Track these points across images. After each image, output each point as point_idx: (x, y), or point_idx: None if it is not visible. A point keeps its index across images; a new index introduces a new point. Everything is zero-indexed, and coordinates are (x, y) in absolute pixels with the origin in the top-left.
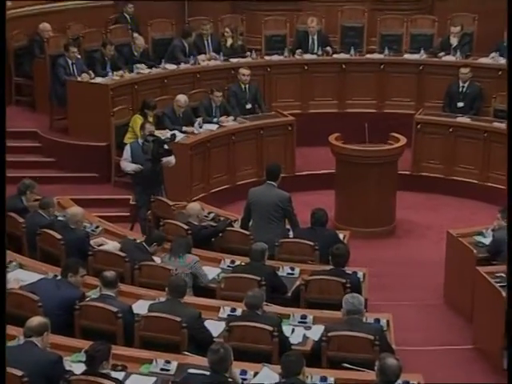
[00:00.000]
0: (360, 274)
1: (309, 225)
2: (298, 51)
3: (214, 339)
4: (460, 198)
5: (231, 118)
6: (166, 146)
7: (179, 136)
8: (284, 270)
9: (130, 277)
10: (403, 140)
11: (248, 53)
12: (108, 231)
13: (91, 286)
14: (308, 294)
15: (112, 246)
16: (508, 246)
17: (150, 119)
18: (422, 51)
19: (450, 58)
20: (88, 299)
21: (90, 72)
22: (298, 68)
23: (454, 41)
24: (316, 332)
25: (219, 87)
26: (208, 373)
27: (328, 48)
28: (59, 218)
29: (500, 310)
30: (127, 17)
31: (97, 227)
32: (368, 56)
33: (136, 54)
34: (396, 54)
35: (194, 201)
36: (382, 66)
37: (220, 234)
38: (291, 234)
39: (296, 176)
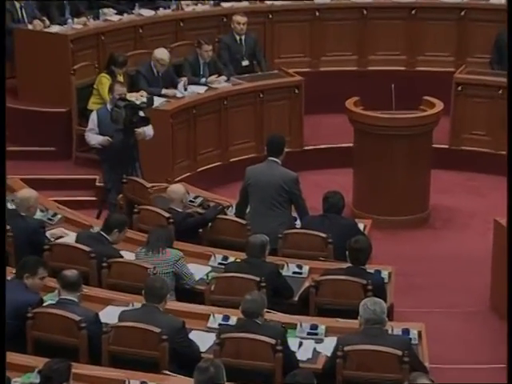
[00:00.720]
0: (384, 274)
1: (320, 212)
2: None
3: (202, 355)
4: None
5: (223, 77)
6: (141, 114)
7: (158, 100)
8: (289, 269)
9: (96, 277)
10: (439, 105)
11: None
12: (69, 220)
13: (48, 288)
14: (319, 298)
15: (74, 238)
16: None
17: (121, 79)
18: None
19: (499, 1)
20: (44, 305)
21: (44, 18)
22: (307, 14)
23: None
24: (329, 346)
25: (208, 39)
26: None
27: None
28: (7, 204)
29: None
30: None
31: (54, 215)
32: None
33: None
34: None
35: (178, 182)
36: (413, 12)
37: (209, 224)
38: (298, 223)
39: (304, 151)
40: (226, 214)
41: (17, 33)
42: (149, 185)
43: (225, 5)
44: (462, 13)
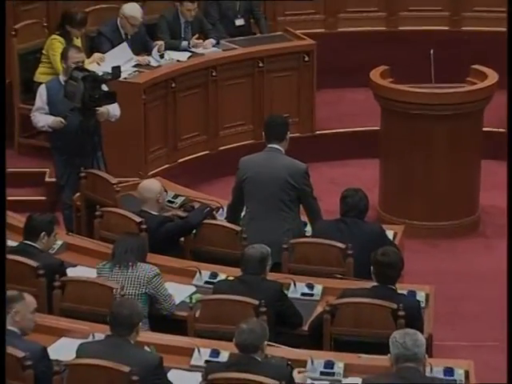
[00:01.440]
0: (421, 296)
1: (337, 215)
2: None
3: None
4: None
5: (211, 41)
6: (104, 87)
7: (126, 71)
8: (297, 289)
9: (45, 300)
10: (493, 76)
11: None
12: (11, 227)
13: None
14: (336, 327)
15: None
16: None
17: (78, 42)
18: None
19: None
20: None
21: None
22: None
23: None
24: None
25: None
26: None
27: None
28: None
29: None
30: None
31: None
32: None
33: None
34: None
35: (152, 177)
36: None
37: (194, 231)
38: (309, 229)
39: (316, 137)
40: (214, 218)
41: None
42: (115, 180)
43: None
44: None
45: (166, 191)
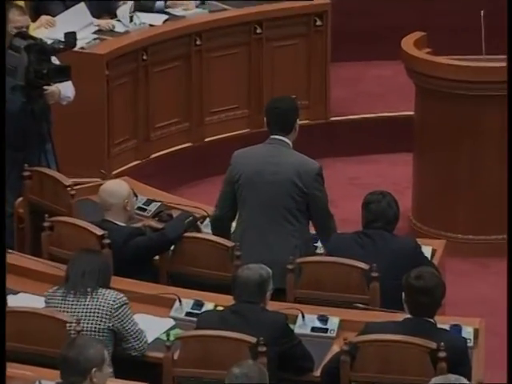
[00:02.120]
0: (467, 332)
1: (359, 227)
2: None
3: None
4: None
5: (194, 1)
6: (54, 60)
7: (84, 38)
8: (306, 323)
9: None
10: None
11: None
12: None
13: None
14: (357, 372)
15: None
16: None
17: (20, 2)
18: None
19: None
20: None
21: None
22: None
23: None
24: None
25: None
26: None
27: None
28: None
29: None
30: None
31: None
32: None
33: None
34: None
35: (118, 176)
36: None
37: (171, 247)
38: (321, 245)
39: (332, 124)
40: (198, 231)
41: None
42: (69, 181)
43: None
44: None
45: (135, 196)
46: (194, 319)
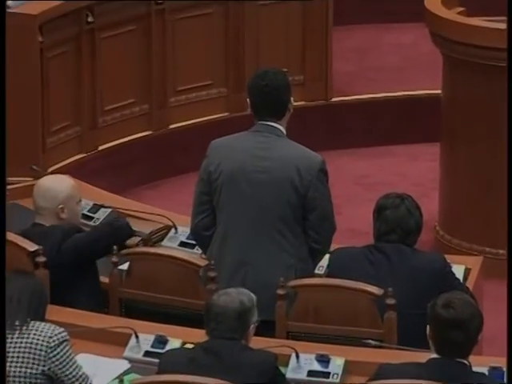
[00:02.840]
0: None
1: (370, 240)
2: None
3: None
4: None
5: None
6: None
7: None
8: (302, 364)
9: None
10: None
11: None
12: None
13: None
14: None
15: None
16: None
17: None
18: None
19: None
20: None
21: None
22: None
23: None
24: None
25: None
26: None
27: None
28: None
29: None
30: None
31: None
32: None
33: None
34: None
35: (55, 173)
36: None
37: (126, 241)
38: (322, 261)
39: (334, 107)
40: (158, 241)
41: None
42: None
43: None
44: None
45: (79, 199)
46: (156, 360)
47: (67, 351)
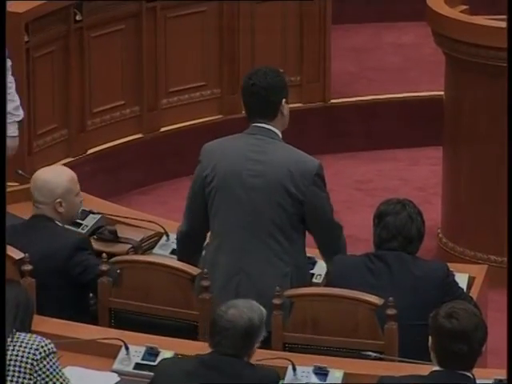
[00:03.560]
0: None
1: (370, 247)
2: None
3: None
4: None
5: None
6: None
7: None
8: (299, 377)
9: None
10: None
11: None
12: None
13: None
14: None
15: None
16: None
17: None
18: None
19: None
20: None
21: None
22: None
23: None
24: None
25: None
26: None
27: None
28: None
29: None
30: None
31: None
32: None
33: None
34: None
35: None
36: None
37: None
38: (320, 271)
39: (332, 109)
40: (149, 249)
41: None
42: None
43: None
44: None
45: (78, 191)
46: (146, 373)
47: (54, 364)
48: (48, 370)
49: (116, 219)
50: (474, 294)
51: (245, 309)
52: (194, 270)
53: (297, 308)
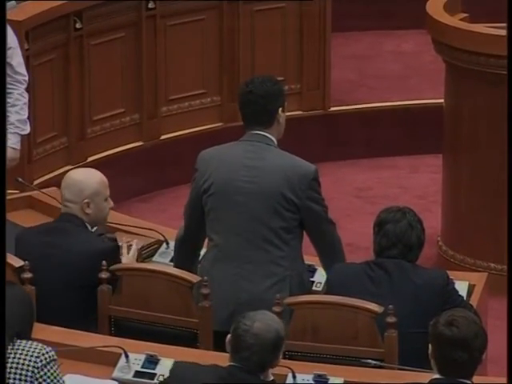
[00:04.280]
0: None
1: (370, 255)
2: None
3: None
4: None
5: None
6: None
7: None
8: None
9: None
10: None
11: None
12: None
13: None
14: None
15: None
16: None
17: None
18: None
19: None
20: None
21: None
22: None
23: None
24: None
25: None
26: None
27: None
28: None
29: None
30: None
31: None
32: None
33: None
34: None
35: (43, 187)
36: None
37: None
38: (319, 278)
39: (332, 117)
40: (149, 256)
41: None
42: None
43: None
44: None
45: (107, 197)
46: (147, 381)
47: (55, 371)
48: (49, 377)
49: (116, 227)
50: (473, 301)
51: (270, 321)
52: (193, 278)
53: (297, 316)
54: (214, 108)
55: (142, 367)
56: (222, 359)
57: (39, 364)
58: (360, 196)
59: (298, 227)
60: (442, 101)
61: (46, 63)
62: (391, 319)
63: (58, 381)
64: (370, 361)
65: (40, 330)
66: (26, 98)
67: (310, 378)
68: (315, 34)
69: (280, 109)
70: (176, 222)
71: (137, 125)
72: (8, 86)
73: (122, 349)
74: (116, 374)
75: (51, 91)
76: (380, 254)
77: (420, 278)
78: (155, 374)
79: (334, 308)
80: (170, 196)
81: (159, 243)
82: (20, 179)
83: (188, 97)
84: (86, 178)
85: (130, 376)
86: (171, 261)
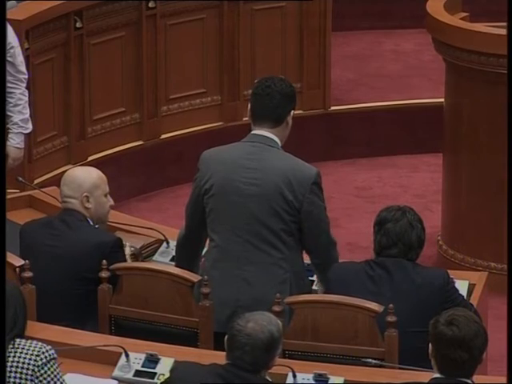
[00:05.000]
0: None
1: (370, 254)
2: None
3: None
4: None
5: None
6: None
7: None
8: (298, 383)
9: None
10: None
11: None
12: None
13: None
14: None
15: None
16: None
17: None
18: None
19: None
20: None
21: None
22: None
23: None
24: None
25: None
26: None
27: None
28: None
29: None
30: None
31: None
32: None
33: None
34: None
35: (43, 187)
36: None
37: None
38: (317, 278)
39: (332, 116)
40: (149, 256)
41: None
42: None
43: None
44: None
45: (107, 193)
46: (147, 380)
47: (55, 370)
48: (49, 375)
49: (116, 226)
50: (474, 301)
51: (264, 322)
52: (194, 277)
53: (297, 315)
54: (214, 107)
55: (143, 366)
56: (222, 359)
57: (39, 362)
58: (360, 195)
59: (298, 229)
60: (442, 100)
61: (46, 62)
62: (391, 318)
63: (58, 379)
64: (370, 360)
65: (40, 329)
66: (26, 96)
67: (310, 377)
68: (315, 33)
69: (291, 112)
70: (176, 221)
71: (137, 124)
72: (10, 85)
73: (123, 348)
74: (116, 373)
75: (51, 90)
76: (380, 253)
77: (420, 277)
78: (155, 374)
79: (334, 307)
80: (170, 195)
81: (159, 242)
82: (20, 178)
83: (188, 96)
84: (84, 174)
85: (130, 375)
86: (171, 260)
